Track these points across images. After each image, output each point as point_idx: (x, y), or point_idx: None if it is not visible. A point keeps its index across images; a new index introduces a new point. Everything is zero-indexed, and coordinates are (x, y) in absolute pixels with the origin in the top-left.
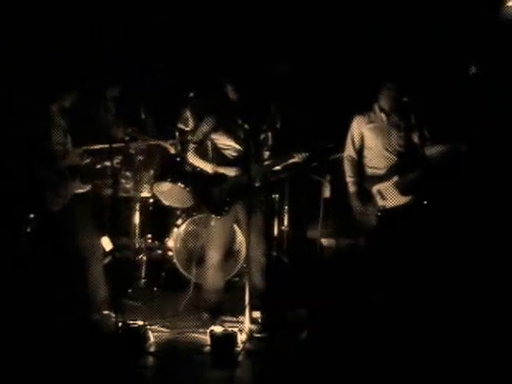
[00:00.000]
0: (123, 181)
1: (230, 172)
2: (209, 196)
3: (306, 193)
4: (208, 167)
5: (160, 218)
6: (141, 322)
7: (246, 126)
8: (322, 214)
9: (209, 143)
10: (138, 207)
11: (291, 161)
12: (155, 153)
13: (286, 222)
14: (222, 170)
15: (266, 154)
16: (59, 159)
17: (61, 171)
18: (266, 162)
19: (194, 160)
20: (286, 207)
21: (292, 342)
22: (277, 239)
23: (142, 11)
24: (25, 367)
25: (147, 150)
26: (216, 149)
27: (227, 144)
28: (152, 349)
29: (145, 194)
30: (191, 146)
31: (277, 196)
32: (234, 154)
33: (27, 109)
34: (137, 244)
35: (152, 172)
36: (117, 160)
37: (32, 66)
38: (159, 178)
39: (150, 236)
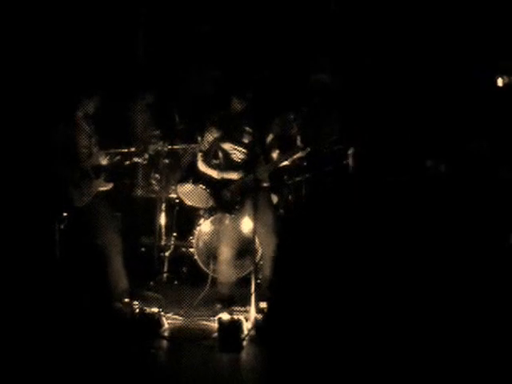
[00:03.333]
0: (153, 182)
1: (234, 176)
2: (219, 197)
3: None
4: (214, 173)
5: (186, 218)
6: (156, 310)
7: (251, 131)
8: None
9: (218, 150)
10: (163, 207)
11: (296, 156)
12: (182, 155)
13: None
14: (226, 176)
15: (276, 153)
16: (83, 160)
17: (85, 171)
18: (275, 161)
19: (202, 167)
20: None
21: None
22: None
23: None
24: (52, 346)
25: (175, 153)
26: (224, 153)
27: (233, 148)
28: (165, 333)
29: (172, 194)
30: (199, 154)
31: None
32: (241, 156)
33: (53, 115)
34: (163, 242)
35: (178, 174)
36: (145, 157)
37: (58, 75)
38: (183, 179)
39: (175, 234)
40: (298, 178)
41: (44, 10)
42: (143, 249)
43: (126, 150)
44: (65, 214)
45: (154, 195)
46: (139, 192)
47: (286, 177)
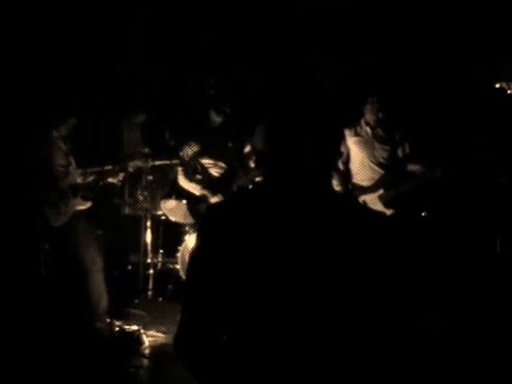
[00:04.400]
0: (141, 199)
1: (215, 198)
2: (197, 211)
3: None
4: (196, 190)
5: (173, 234)
6: (136, 328)
7: (230, 145)
8: None
9: (197, 164)
10: (148, 224)
11: None
12: (168, 172)
13: None
14: (206, 192)
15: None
16: (60, 179)
17: (62, 190)
18: (253, 173)
19: (182, 182)
20: None
21: None
22: None
23: None
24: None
25: (160, 169)
26: (203, 168)
27: (211, 163)
28: (146, 351)
29: (158, 211)
30: (179, 169)
31: None
32: (219, 170)
33: (27, 135)
34: (148, 259)
35: (165, 190)
36: (119, 177)
37: (35, 94)
38: (167, 195)
39: (161, 251)
40: None
41: (25, 26)
42: (130, 267)
43: (100, 169)
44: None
45: (141, 213)
46: (127, 210)
47: None
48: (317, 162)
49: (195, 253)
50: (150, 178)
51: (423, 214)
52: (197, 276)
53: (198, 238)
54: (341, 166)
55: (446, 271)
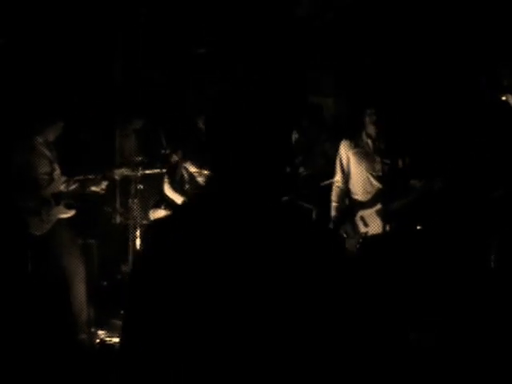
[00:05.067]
0: (134, 207)
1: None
2: None
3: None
4: (179, 200)
5: None
6: (117, 340)
7: None
8: None
9: (184, 172)
10: (138, 234)
11: None
12: (158, 181)
13: None
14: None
15: None
16: (44, 187)
17: (44, 198)
18: None
19: (167, 191)
20: None
21: None
22: None
23: None
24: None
25: (152, 178)
26: (191, 177)
27: (196, 171)
28: None
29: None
30: (165, 177)
31: None
32: (203, 179)
33: (10, 142)
34: None
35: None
36: (102, 186)
37: (19, 100)
38: (156, 205)
39: None
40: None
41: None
42: (119, 276)
43: (83, 178)
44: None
45: (132, 222)
46: (118, 219)
47: None
48: (258, 168)
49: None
50: (141, 186)
51: (418, 227)
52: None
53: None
54: (341, 179)
55: (438, 284)
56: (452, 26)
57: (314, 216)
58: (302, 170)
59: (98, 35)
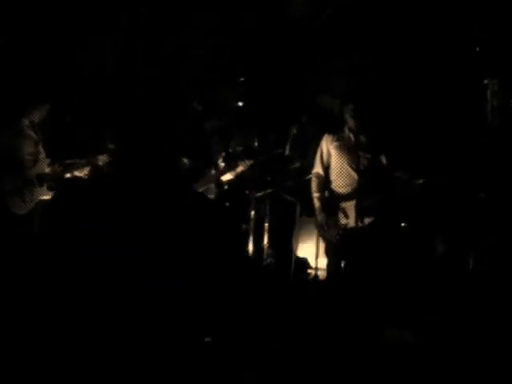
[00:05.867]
0: None
1: None
2: None
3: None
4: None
5: None
6: None
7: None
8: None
9: None
10: None
11: (239, 169)
12: None
13: (265, 239)
14: None
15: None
16: (28, 167)
17: (28, 178)
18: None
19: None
20: (266, 224)
21: None
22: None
23: None
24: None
25: None
26: None
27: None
28: None
29: None
30: None
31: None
32: None
33: None
34: None
35: None
36: (85, 171)
37: (6, 82)
38: None
39: None
40: (259, 194)
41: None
42: None
43: (68, 162)
44: None
45: None
46: None
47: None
48: None
49: None
50: None
51: (403, 224)
52: None
53: None
54: (321, 172)
55: (415, 281)
56: (451, 25)
57: (297, 208)
58: (297, 164)
59: (97, 35)
